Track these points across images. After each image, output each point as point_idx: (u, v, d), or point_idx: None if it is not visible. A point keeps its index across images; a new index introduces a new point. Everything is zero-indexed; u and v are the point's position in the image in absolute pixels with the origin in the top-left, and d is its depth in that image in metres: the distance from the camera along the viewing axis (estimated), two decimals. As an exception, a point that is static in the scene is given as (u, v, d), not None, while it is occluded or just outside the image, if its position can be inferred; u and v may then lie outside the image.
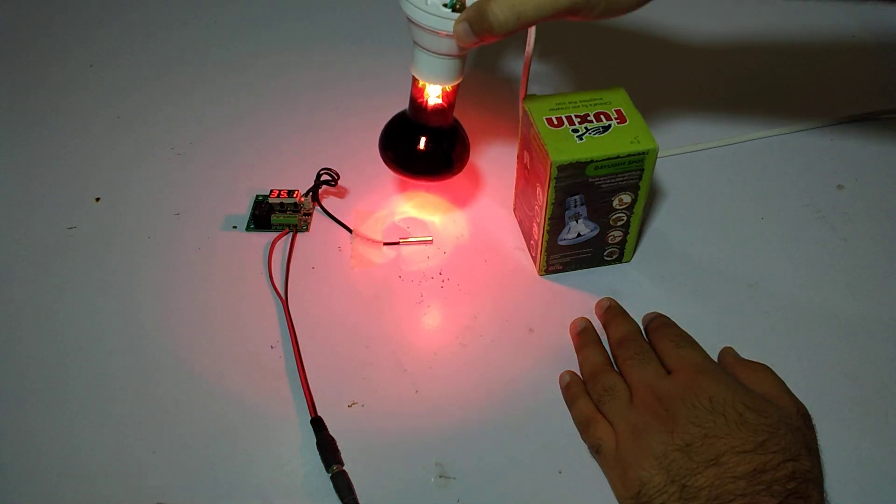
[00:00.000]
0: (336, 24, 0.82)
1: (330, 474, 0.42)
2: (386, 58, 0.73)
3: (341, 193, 0.60)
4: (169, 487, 0.42)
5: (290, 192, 0.56)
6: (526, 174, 0.52)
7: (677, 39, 0.80)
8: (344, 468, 0.42)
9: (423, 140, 0.49)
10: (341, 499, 0.41)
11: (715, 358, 0.46)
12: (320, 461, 0.42)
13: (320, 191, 0.58)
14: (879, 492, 0.42)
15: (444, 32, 0.42)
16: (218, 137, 0.66)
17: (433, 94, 0.47)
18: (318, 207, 0.58)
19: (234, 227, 0.57)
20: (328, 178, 0.57)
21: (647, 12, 0.83)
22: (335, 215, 0.57)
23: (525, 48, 0.49)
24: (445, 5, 0.41)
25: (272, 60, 0.76)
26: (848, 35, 0.80)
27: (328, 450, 0.43)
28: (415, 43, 0.44)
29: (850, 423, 0.45)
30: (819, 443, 0.42)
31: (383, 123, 0.51)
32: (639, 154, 0.46)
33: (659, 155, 0.47)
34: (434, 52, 0.44)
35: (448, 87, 0.47)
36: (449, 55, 0.44)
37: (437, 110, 0.48)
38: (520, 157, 0.54)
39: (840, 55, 0.75)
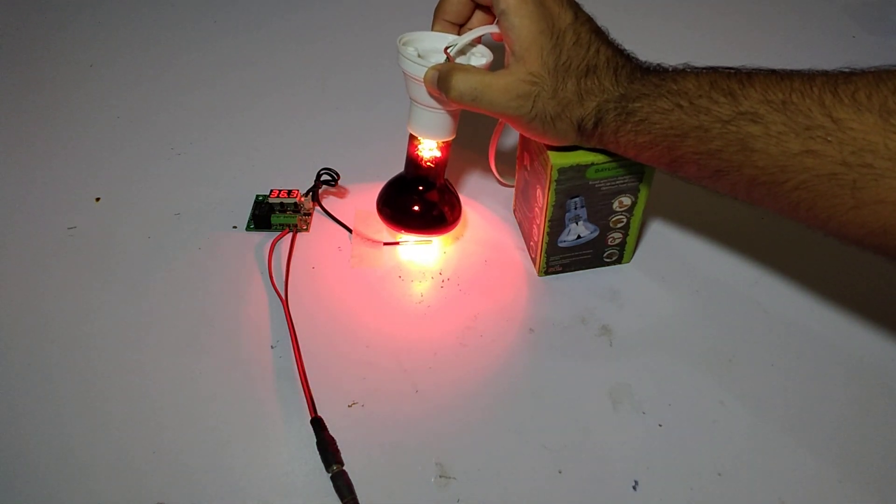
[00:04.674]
0: (336, 24, 0.82)
1: (330, 474, 0.42)
2: (387, 58, 0.73)
3: (341, 193, 0.60)
4: (169, 487, 0.42)
5: (290, 192, 0.56)
6: (526, 176, 0.52)
7: (677, 41, 0.80)
8: (344, 468, 0.42)
9: (417, 198, 0.52)
10: (341, 499, 0.41)
11: None
12: (320, 461, 0.42)
13: (320, 191, 0.58)
14: (880, 492, 0.42)
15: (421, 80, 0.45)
16: (218, 137, 0.66)
17: (427, 151, 0.50)
18: (318, 207, 0.58)
19: (234, 227, 0.57)
20: (328, 178, 0.57)
21: (647, 21, 0.83)
22: (335, 215, 0.57)
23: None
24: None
25: (272, 60, 0.76)
26: (848, 35, 0.80)
27: (328, 450, 0.43)
28: (411, 99, 0.47)
29: (850, 423, 0.45)
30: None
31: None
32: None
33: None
34: (425, 106, 0.47)
35: (440, 143, 0.50)
36: (440, 109, 0.47)
37: (431, 167, 0.51)
38: (520, 159, 0.54)
39: (840, 55, 0.75)
